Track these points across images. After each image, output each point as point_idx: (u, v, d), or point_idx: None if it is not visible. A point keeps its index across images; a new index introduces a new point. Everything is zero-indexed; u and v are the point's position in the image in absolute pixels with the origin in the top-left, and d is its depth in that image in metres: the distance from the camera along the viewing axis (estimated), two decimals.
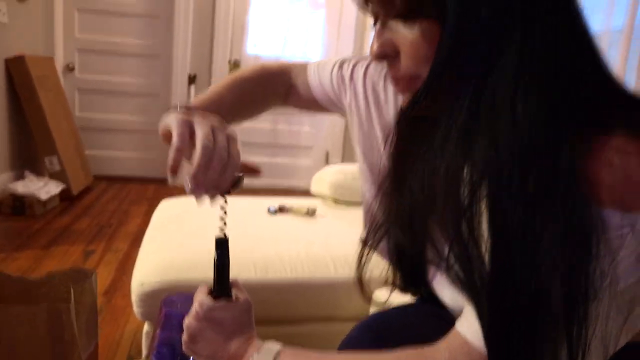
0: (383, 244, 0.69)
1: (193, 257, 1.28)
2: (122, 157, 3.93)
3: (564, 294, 0.43)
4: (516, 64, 0.45)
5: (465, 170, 0.49)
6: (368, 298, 0.79)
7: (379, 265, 1.38)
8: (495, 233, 0.46)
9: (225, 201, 0.65)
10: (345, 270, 1.35)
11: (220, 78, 3.75)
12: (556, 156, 0.44)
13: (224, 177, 0.59)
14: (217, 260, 0.66)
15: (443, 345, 0.53)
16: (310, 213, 1.77)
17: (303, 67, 0.87)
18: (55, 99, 3.30)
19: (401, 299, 0.85)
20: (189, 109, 0.66)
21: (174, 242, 1.38)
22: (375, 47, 0.54)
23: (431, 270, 0.70)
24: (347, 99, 0.79)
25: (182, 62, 3.70)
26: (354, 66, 0.79)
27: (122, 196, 3.42)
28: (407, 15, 0.49)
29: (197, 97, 0.74)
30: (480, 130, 0.47)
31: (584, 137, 0.44)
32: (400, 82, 0.55)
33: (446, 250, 0.50)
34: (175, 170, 0.58)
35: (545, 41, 0.45)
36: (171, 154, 0.58)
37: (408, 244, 0.61)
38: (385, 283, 0.75)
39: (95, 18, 3.68)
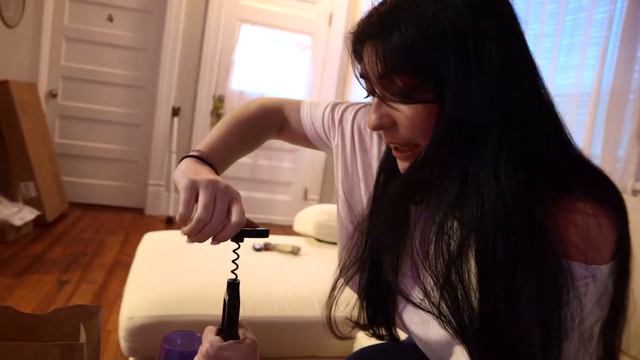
0: (355, 280, 0.75)
1: (183, 293, 1.30)
2: (100, 185, 3.89)
3: (541, 334, 0.50)
4: (499, 142, 0.53)
5: (454, 226, 0.57)
6: (338, 336, 0.82)
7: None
8: (482, 282, 0.53)
9: (238, 247, 0.69)
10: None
11: (204, 112, 3.81)
12: (532, 219, 0.52)
13: (221, 235, 0.63)
14: (228, 301, 0.70)
15: None
16: (295, 251, 1.80)
17: (296, 104, 0.92)
18: (36, 125, 3.28)
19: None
20: (198, 158, 0.72)
21: (163, 276, 1.40)
22: (373, 119, 0.60)
23: (401, 303, 0.74)
24: (335, 141, 0.84)
25: (167, 94, 3.74)
26: (344, 110, 0.84)
27: (98, 225, 3.37)
28: (406, 97, 0.56)
29: (205, 142, 0.78)
30: (468, 195, 0.55)
31: (552, 200, 0.53)
32: (399, 148, 0.62)
33: (437, 296, 0.57)
34: (184, 231, 0.63)
35: (521, 126, 0.54)
36: (177, 219, 0.63)
37: (400, 291, 0.68)
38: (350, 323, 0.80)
39: (83, 47, 3.72)
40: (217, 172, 0.73)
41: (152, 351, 1.22)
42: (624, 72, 1.67)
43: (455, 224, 0.57)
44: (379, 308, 0.75)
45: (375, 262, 0.71)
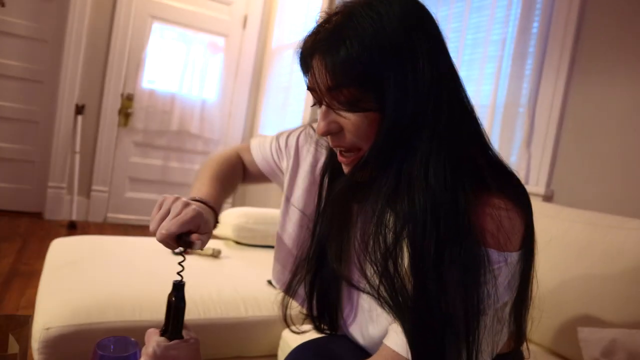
0: (301, 292, 0.83)
1: (103, 300, 1.26)
2: None
3: (464, 310, 0.59)
4: (429, 143, 0.62)
5: (390, 220, 0.65)
6: (295, 332, 0.89)
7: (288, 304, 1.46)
8: (414, 267, 0.62)
9: (184, 249, 0.70)
10: (255, 310, 1.42)
11: (112, 110, 3.63)
12: (457, 209, 0.61)
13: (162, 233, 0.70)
14: (174, 302, 0.71)
15: (376, 358, 0.66)
16: (216, 254, 1.80)
17: (247, 149, 1.02)
18: None
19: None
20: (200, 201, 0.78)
21: (79, 283, 1.34)
22: (322, 125, 0.67)
23: (346, 312, 0.82)
24: (284, 163, 0.93)
25: (70, 90, 3.51)
26: (288, 137, 0.93)
27: None
28: (351, 106, 0.64)
29: (197, 189, 0.86)
30: (402, 190, 0.63)
31: (474, 195, 0.62)
32: (344, 153, 0.69)
33: (376, 281, 0.65)
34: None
35: (448, 129, 0.63)
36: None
37: (343, 276, 0.76)
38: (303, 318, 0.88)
39: None
40: (217, 213, 0.81)
41: None
42: (515, 87, 1.88)
43: (392, 218, 0.65)
44: (325, 303, 0.82)
45: (321, 258, 0.77)
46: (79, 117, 3.54)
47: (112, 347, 0.85)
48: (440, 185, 0.61)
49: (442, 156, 0.62)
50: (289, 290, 0.85)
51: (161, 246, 0.72)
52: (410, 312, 0.62)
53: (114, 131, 3.70)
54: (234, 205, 4.13)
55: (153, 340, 0.69)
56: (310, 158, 0.88)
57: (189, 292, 1.36)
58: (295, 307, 0.88)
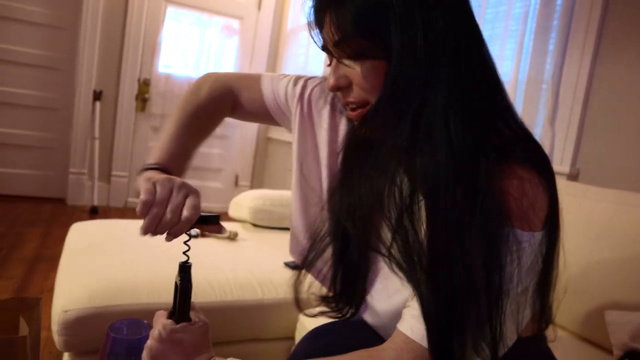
0: (320, 265, 0.78)
1: (120, 283, 1.26)
2: (15, 175, 3.60)
3: (485, 284, 0.55)
4: (446, 99, 0.58)
5: (405, 178, 0.62)
6: (307, 315, 0.85)
7: (305, 287, 1.45)
8: (432, 227, 0.58)
9: (190, 229, 0.69)
10: (272, 292, 1.41)
11: (129, 96, 3.64)
12: (477, 175, 0.56)
13: (174, 229, 0.65)
14: (180, 284, 0.70)
15: (389, 345, 0.63)
16: (232, 237, 1.80)
17: (249, 80, 0.92)
18: None
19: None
20: (156, 169, 0.74)
21: (97, 267, 1.34)
22: (331, 80, 0.66)
23: (371, 276, 0.77)
24: (294, 114, 0.86)
25: (87, 77, 3.53)
26: (304, 86, 0.86)
27: (13, 217, 3.14)
28: (359, 57, 0.62)
29: (160, 149, 0.80)
30: (420, 142, 0.59)
31: (496, 162, 0.58)
32: (355, 109, 0.66)
33: (389, 240, 0.62)
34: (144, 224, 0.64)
35: (468, 84, 0.59)
36: (138, 207, 0.64)
37: (358, 235, 0.72)
38: (316, 301, 0.84)
39: None
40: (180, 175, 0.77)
41: (90, 344, 1.18)
42: (538, 63, 1.81)
43: (406, 175, 0.62)
44: (350, 278, 0.77)
45: (345, 233, 0.73)
46: (97, 104, 3.56)
47: (125, 329, 0.85)
48: (460, 143, 0.57)
49: (462, 113, 0.58)
50: (305, 264, 0.80)
51: None
52: (426, 272, 0.58)
53: (132, 116, 3.72)
54: (252, 187, 4.14)
55: (159, 323, 0.68)
56: (327, 123, 0.82)
57: (204, 275, 1.37)
58: (309, 289, 0.85)
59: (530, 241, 0.58)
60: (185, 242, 0.70)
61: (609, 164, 1.57)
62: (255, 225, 2.06)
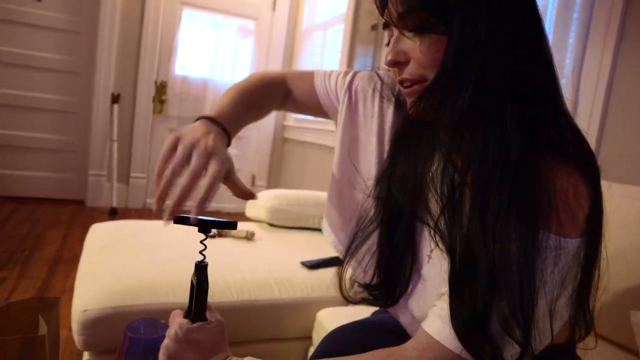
0: (362, 252, 0.77)
1: (138, 282, 1.27)
2: (35, 177, 3.68)
3: (517, 283, 0.52)
4: (504, 80, 0.57)
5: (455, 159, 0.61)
6: (349, 301, 0.82)
7: (321, 286, 1.45)
8: (472, 211, 0.56)
9: (207, 229, 0.68)
10: (289, 292, 1.40)
11: (146, 98, 3.68)
12: (525, 166, 0.54)
13: (196, 199, 0.61)
14: (196, 283, 0.69)
15: (411, 344, 0.61)
16: (249, 237, 1.80)
17: (302, 75, 0.94)
18: None
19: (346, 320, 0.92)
20: (211, 119, 0.72)
21: (116, 267, 1.36)
22: (390, 55, 0.64)
23: (413, 279, 0.76)
24: (342, 103, 0.86)
25: (105, 80, 3.58)
26: (353, 77, 0.87)
27: (35, 219, 3.20)
28: (421, 30, 0.61)
29: (214, 108, 0.77)
30: (473, 129, 0.58)
31: (545, 156, 0.56)
32: (410, 86, 0.64)
33: (437, 213, 0.62)
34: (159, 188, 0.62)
35: (526, 66, 0.58)
36: (155, 176, 0.63)
37: (407, 206, 0.71)
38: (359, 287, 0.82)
39: (12, 29, 3.46)
40: (230, 135, 0.74)
41: (109, 344, 1.19)
42: (557, 58, 1.77)
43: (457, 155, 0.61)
44: (394, 265, 0.75)
45: (392, 219, 0.73)
46: (115, 106, 3.61)
47: (142, 329, 0.85)
48: (513, 129, 0.55)
49: (518, 99, 0.57)
50: (349, 251, 0.79)
51: (196, 229, 0.66)
52: (461, 250, 0.57)
53: (149, 118, 3.76)
54: (268, 187, 4.15)
55: (175, 322, 0.67)
56: (377, 112, 0.82)
57: (222, 275, 1.37)
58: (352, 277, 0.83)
59: (567, 248, 0.55)
60: (201, 242, 0.70)
61: (632, 161, 1.53)
62: (272, 225, 2.06)
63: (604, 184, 1.38)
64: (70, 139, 3.73)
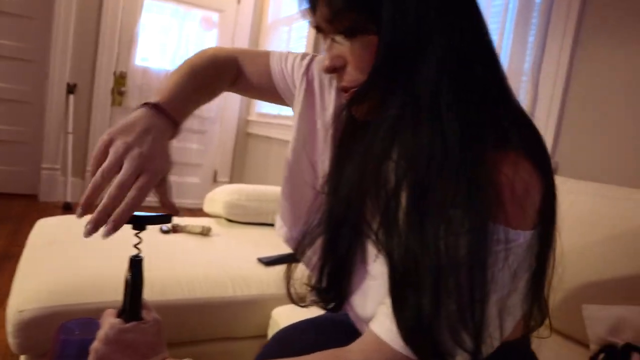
0: (310, 253, 0.73)
1: (81, 280, 1.20)
2: None
3: (466, 285, 0.49)
4: (437, 72, 0.53)
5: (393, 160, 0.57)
6: (301, 305, 0.79)
7: (278, 283, 1.41)
8: (411, 209, 0.53)
9: (141, 226, 0.63)
10: (244, 289, 1.36)
11: (104, 89, 3.55)
12: (466, 158, 0.51)
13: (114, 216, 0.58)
14: (130, 280, 0.64)
15: (356, 346, 0.58)
16: (205, 232, 1.74)
17: (257, 55, 0.88)
18: None
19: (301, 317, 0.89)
20: (156, 107, 0.67)
21: (56, 265, 1.28)
22: (327, 62, 0.61)
23: (357, 276, 0.72)
24: (298, 89, 0.82)
25: (60, 69, 3.42)
26: (310, 62, 0.82)
27: None
28: (351, 32, 0.57)
29: (161, 90, 0.72)
30: (406, 119, 0.55)
31: (490, 146, 0.53)
32: (349, 91, 0.61)
33: (376, 224, 0.58)
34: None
35: (461, 54, 0.54)
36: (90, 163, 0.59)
37: (348, 218, 0.67)
38: (306, 288, 0.78)
39: None
40: (178, 122, 0.69)
41: (47, 347, 1.11)
42: (517, 55, 1.78)
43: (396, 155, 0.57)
44: (336, 271, 0.72)
45: (338, 221, 0.68)
46: (71, 97, 3.46)
47: (76, 330, 0.79)
48: (451, 118, 0.52)
49: (454, 91, 0.53)
50: (298, 250, 0.75)
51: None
52: (401, 259, 0.53)
53: (108, 110, 3.62)
54: (231, 183, 4.07)
55: (107, 323, 0.62)
56: (333, 100, 0.77)
57: (173, 271, 1.32)
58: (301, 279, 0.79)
59: (519, 240, 0.52)
60: (136, 234, 0.65)
61: (587, 157, 1.55)
62: (230, 220, 2.01)
63: (560, 180, 1.39)
64: (22, 130, 3.55)
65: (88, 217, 0.58)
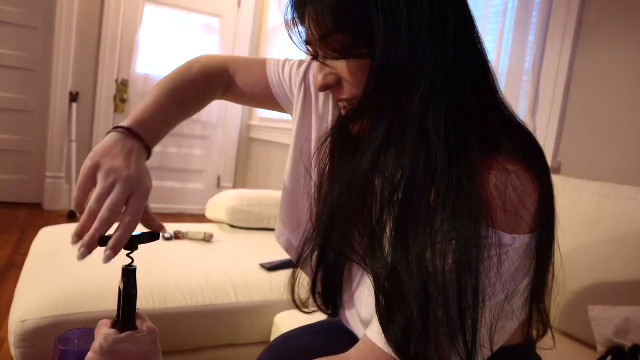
0: (309, 261, 0.73)
1: (83, 290, 1.20)
2: None
3: (457, 295, 0.49)
4: (428, 91, 0.53)
5: (376, 182, 0.56)
6: (305, 312, 0.80)
7: (280, 289, 1.40)
8: (397, 237, 0.53)
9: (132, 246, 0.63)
10: (246, 296, 1.35)
11: (107, 97, 3.56)
12: (455, 169, 0.51)
13: (113, 241, 0.59)
14: (123, 290, 0.64)
15: (353, 352, 0.57)
16: (208, 239, 1.74)
17: (251, 64, 0.87)
18: None
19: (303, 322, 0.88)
20: (128, 130, 0.65)
21: (58, 274, 1.28)
22: (319, 79, 0.60)
23: (355, 282, 0.73)
24: (296, 96, 0.81)
25: (63, 78, 3.43)
26: (308, 68, 0.82)
27: None
28: (342, 53, 0.57)
29: (138, 109, 0.70)
30: (392, 140, 0.55)
31: (480, 154, 0.52)
32: (347, 107, 0.61)
33: (361, 248, 0.58)
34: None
35: (452, 75, 0.54)
36: (73, 206, 0.59)
37: (334, 243, 0.66)
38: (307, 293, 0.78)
39: None
40: (150, 146, 0.68)
41: (50, 358, 1.11)
42: (518, 55, 1.77)
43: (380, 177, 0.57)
44: (329, 279, 0.73)
45: (324, 241, 0.68)
46: (74, 105, 3.47)
47: (76, 340, 0.79)
48: (439, 136, 0.52)
49: (445, 103, 0.53)
50: (299, 261, 0.75)
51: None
52: (388, 279, 0.53)
53: (110, 118, 3.63)
54: (234, 188, 4.08)
55: (101, 333, 0.62)
56: (330, 108, 0.77)
57: (175, 279, 1.31)
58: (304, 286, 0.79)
59: (514, 245, 0.51)
60: (128, 255, 0.65)
61: (590, 157, 1.54)
62: (232, 226, 2.01)
63: (564, 179, 1.38)
64: (26, 140, 3.57)
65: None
